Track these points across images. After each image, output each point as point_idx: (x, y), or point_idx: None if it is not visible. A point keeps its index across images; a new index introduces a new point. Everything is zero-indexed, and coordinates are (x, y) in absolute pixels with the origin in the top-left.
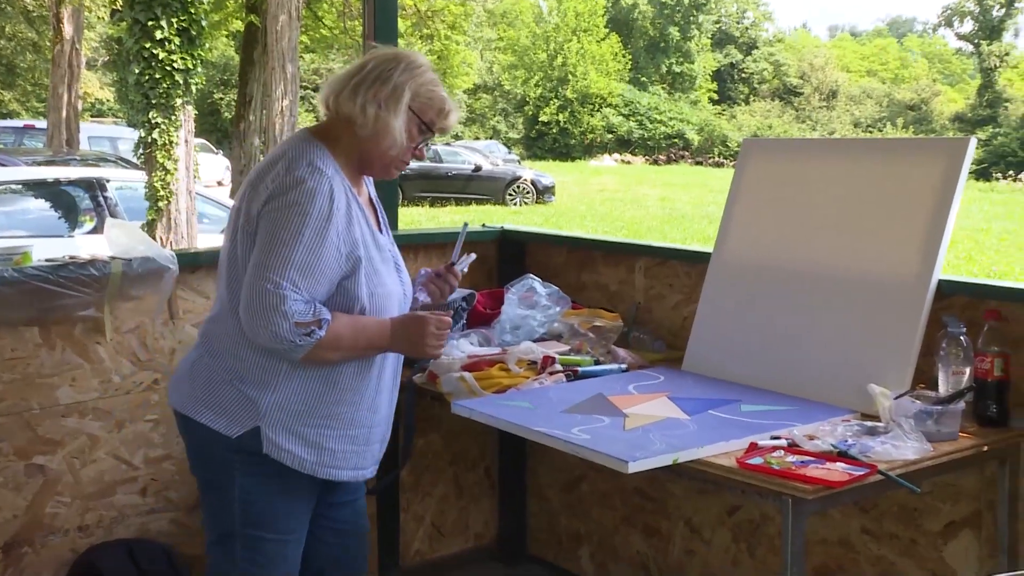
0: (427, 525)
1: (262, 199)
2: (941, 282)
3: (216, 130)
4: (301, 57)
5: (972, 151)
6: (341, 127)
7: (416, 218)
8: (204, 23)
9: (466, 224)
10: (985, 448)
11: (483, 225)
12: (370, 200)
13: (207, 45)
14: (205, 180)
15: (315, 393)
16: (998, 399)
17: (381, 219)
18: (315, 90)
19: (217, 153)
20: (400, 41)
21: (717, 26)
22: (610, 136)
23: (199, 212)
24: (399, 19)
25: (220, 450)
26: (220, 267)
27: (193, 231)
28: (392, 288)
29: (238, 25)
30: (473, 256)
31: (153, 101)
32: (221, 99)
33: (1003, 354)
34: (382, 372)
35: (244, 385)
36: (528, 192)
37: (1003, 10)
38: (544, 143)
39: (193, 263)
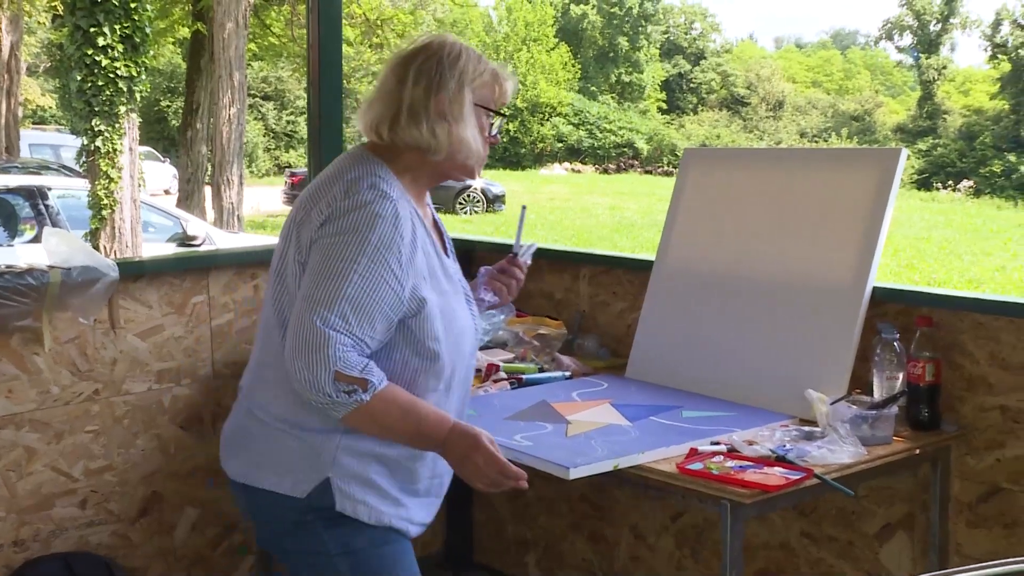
0: None
1: (315, 224)
2: (876, 289)
3: (163, 138)
4: (249, 65)
5: (904, 162)
6: (402, 147)
7: None
8: (149, 30)
9: (524, 208)
10: (917, 451)
11: None
12: (435, 222)
13: (152, 52)
14: (152, 189)
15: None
16: (930, 403)
17: (447, 243)
18: (264, 98)
19: (164, 161)
20: (349, 50)
21: (665, 36)
22: (560, 145)
23: (144, 221)
24: (348, 27)
25: (294, 515)
26: (265, 306)
27: (138, 240)
28: (465, 324)
29: (184, 32)
30: (535, 245)
31: (96, 108)
32: (168, 107)
33: (934, 359)
34: (460, 414)
35: (306, 433)
36: (478, 201)
37: (939, 25)
38: (494, 152)
39: (137, 272)
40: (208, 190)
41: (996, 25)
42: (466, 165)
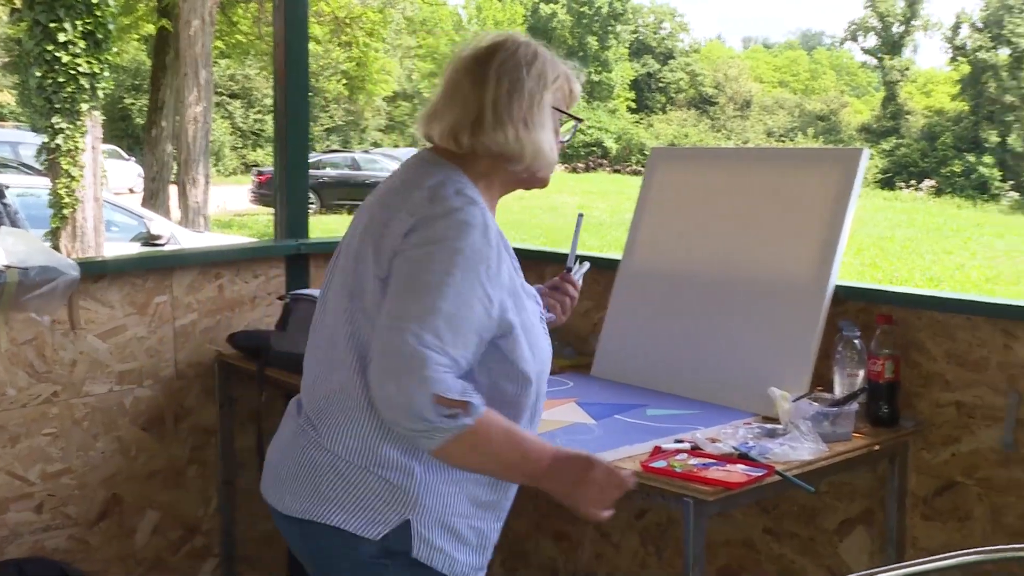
0: None
1: (397, 234)
2: (837, 288)
3: (127, 136)
4: (216, 63)
5: (865, 162)
6: (480, 153)
7: (334, 226)
8: (111, 26)
9: (581, 216)
10: (876, 447)
11: None
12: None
13: (115, 49)
14: (115, 187)
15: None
16: (889, 400)
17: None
18: (231, 96)
19: (129, 159)
20: (318, 48)
21: (634, 36)
22: None
23: (108, 220)
24: (317, 25)
25: (362, 556)
26: (325, 329)
27: (100, 239)
28: (546, 344)
29: (149, 29)
30: (587, 266)
31: (57, 106)
32: (133, 104)
33: (894, 356)
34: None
35: (385, 469)
36: None
37: (903, 27)
38: None
39: (98, 272)
40: (174, 189)
41: (956, 28)
42: (542, 174)
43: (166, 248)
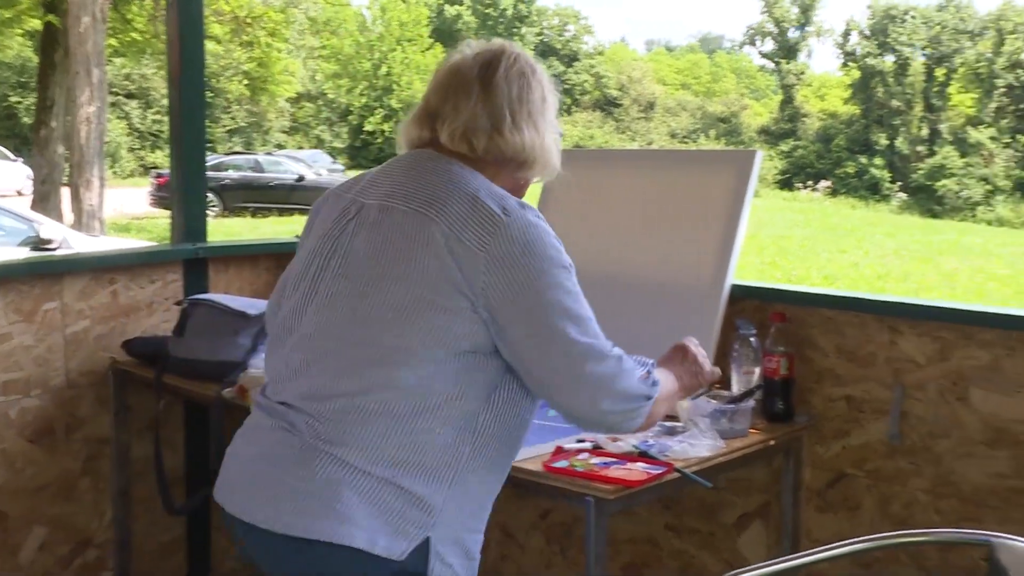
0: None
1: (480, 265)
2: (734, 287)
3: (14, 136)
4: (110, 61)
5: (759, 163)
6: (489, 159)
7: (238, 229)
8: None
9: None
10: (772, 442)
11: (297, 236)
12: None
13: None
14: (2, 189)
15: (496, 480)
16: (784, 396)
17: None
18: (127, 96)
19: (16, 161)
20: (217, 47)
21: (540, 38)
22: None
23: None
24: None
25: None
26: (328, 334)
27: None
28: None
29: (35, 24)
30: None
31: None
32: (19, 103)
33: (788, 354)
34: None
35: (411, 479)
36: None
37: (798, 32)
38: (369, 153)
39: None
40: (66, 191)
41: (846, 35)
42: (534, 182)
43: (56, 253)
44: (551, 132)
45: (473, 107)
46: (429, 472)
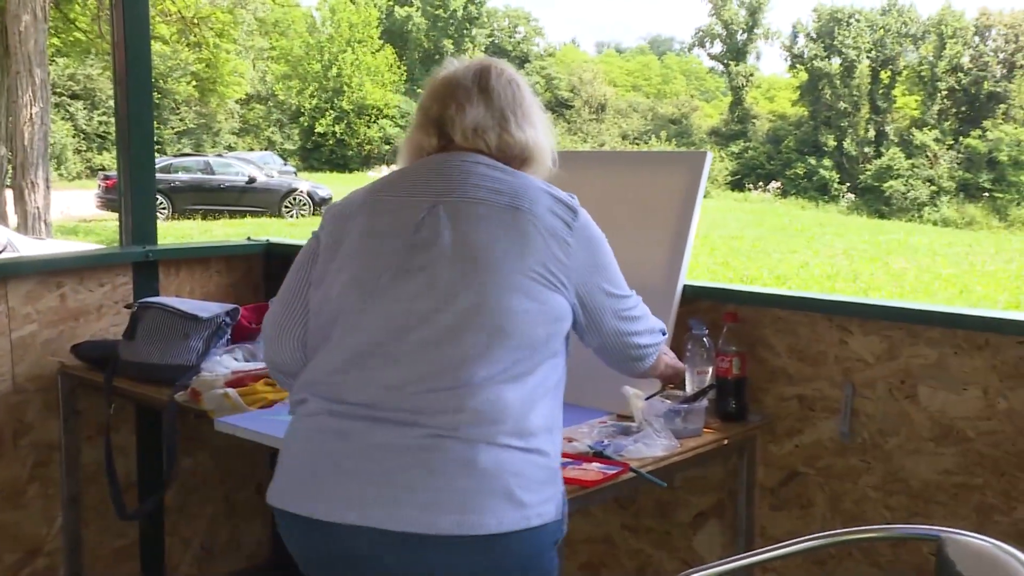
0: (195, 547)
1: (571, 246)
2: (686, 287)
3: None
4: (54, 61)
5: (709, 164)
6: (499, 157)
7: (188, 231)
8: None
9: None
10: (726, 441)
11: (248, 239)
12: None
13: None
14: None
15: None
16: (737, 395)
17: None
18: (72, 97)
19: None
20: (165, 48)
21: (490, 40)
22: (388, 147)
23: None
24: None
25: (553, 543)
26: (435, 323)
27: None
28: None
29: None
30: None
31: None
32: None
33: (740, 353)
34: None
35: (543, 442)
36: (305, 204)
37: (745, 35)
38: (321, 154)
39: None
40: (10, 194)
41: (794, 37)
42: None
43: (1, 256)
44: (546, 132)
45: (476, 108)
46: (550, 431)
